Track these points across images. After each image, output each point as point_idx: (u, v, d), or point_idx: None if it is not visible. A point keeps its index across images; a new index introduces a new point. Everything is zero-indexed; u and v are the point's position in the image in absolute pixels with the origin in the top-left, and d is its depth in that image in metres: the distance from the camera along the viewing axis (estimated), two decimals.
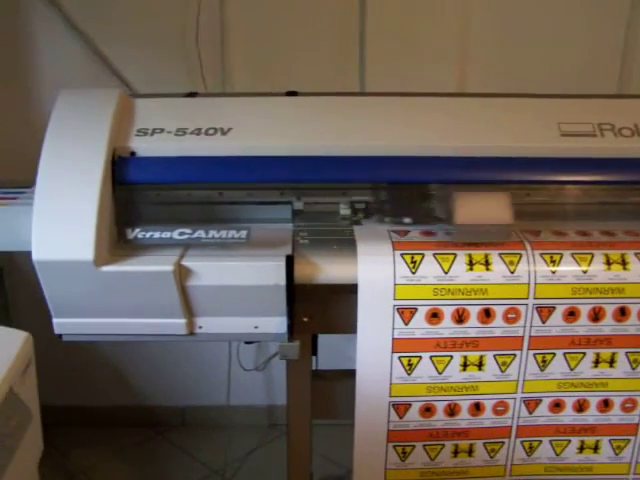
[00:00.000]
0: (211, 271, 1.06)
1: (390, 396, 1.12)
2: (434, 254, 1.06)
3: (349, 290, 1.06)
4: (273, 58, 1.72)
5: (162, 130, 1.15)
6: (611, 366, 1.14)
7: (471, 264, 1.06)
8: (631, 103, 1.22)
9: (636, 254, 1.09)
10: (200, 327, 1.13)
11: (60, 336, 1.12)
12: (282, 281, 1.04)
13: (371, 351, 1.09)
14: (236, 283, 1.06)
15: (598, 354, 1.12)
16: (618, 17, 1.67)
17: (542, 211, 1.20)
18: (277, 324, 1.10)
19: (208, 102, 1.26)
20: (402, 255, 1.06)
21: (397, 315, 1.07)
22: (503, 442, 1.17)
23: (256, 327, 1.12)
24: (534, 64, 1.69)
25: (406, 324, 1.07)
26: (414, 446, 1.16)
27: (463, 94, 1.28)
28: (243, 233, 1.12)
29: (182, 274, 1.05)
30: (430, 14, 1.70)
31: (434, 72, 1.70)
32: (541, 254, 1.08)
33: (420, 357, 1.10)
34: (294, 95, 1.25)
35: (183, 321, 1.11)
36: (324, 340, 1.28)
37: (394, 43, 1.70)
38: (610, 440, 1.19)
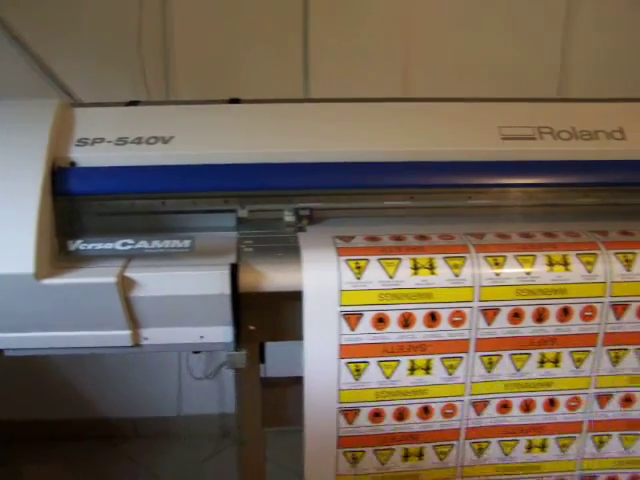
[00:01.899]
0: (155, 281, 1.05)
1: (339, 402, 1.12)
2: (379, 259, 1.06)
3: (295, 297, 1.06)
4: (217, 66, 1.71)
5: (102, 140, 1.14)
6: (556, 366, 1.15)
7: (416, 268, 1.07)
8: (569, 106, 1.24)
9: (577, 255, 1.10)
10: (145, 338, 1.11)
11: (1, 351, 1.10)
12: (227, 290, 1.03)
13: (318, 358, 1.09)
14: (180, 293, 1.05)
15: (543, 354, 1.13)
16: (556, 21, 1.69)
17: (485, 214, 1.20)
18: (223, 333, 1.10)
19: (150, 110, 1.25)
20: (346, 261, 1.06)
21: (343, 321, 1.07)
22: (452, 444, 1.18)
23: (202, 337, 1.11)
24: (477, 68, 1.71)
25: (352, 330, 1.07)
26: (364, 451, 1.16)
27: (407, 99, 1.28)
28: (187, 242, 1.11)
29: (125, 285, 1.04)
30: (373, 20, 1.71)
31: (379, 77, 1.71)
32: (485, 257, 1.08)
33: (368, 362, 1.10)
34: (237, 102, 1.24)
35: (128, 333, 1.09)
36: (276, 347, 1.27)
37: (338, 49, 1.71)
38: (556, 438, 1.20)
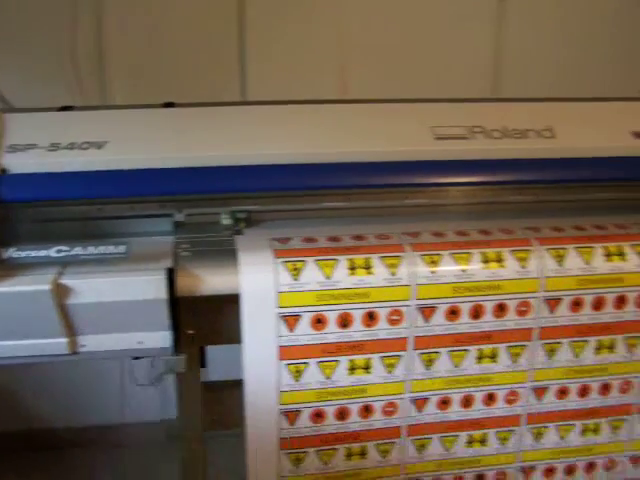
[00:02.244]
0: (90, 288, 1.04)
1: (279, 404, 1.12)
2: (315, 260, 1.07)
3: (234, 300, 1.06)
4: (153, 70, 1.70)
5: (34, 146, 1.12)
6: (493, 361, 1.17)
7: (353, 268, 1.07)
8: (501, 106, 1.26)
9: (511, 251, 1.12)
10: (83, 346, 1.10)
11: None
12: (163, 295, 1.03)
13: (258, 360, 1.09)
14: (116, 299, 1.04)
15: (480, 350, 1.15)
16: (488, 21, 1.71)
17: (422, 213, 1.21)
18: (162, 338, 1.09)
19: (83, 116, 1.23)
20: (283, 263, 1.06)
21: (282, 323, 1.07)
22: (394, 442, 1.19)
23: (140, 342, 1.10)
24: (412, 68, 1.72)
25: (291, 331, 1.08)
26: (307, 452, 1.16)
27: (342, 100, 1.28)
28: (122, 248, 1.10)
29: (60, 292, 1.02)
30: (309, 22, 1.71)
31: (316, 79, 1.71)
32: (421, 255, 1.09)
33: (307, 363, 1.10)
34: (171, 106, 1.24)
35: (64, 340, 1.08)
36: (219, 350, 1.26)
37: (275, 51, 1.71)
38: (496, 432, 1.22)
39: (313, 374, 1.11)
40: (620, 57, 1.88)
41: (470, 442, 1.22)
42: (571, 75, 1.85)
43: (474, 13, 1.76)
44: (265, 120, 1.21)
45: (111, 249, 1.09)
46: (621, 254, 1.16)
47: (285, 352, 1.09)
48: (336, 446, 1.17)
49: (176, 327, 1.07)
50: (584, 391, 1.23)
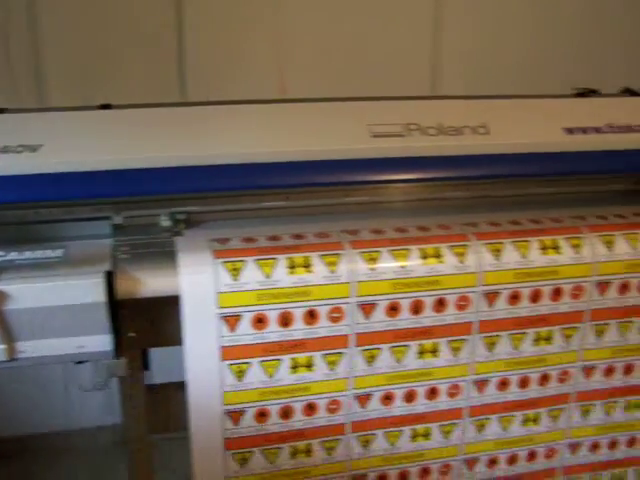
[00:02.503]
0: (27, 293, 1.03)
1: (223, 404, 1.12)
2: (255, 260, 1.07)
3: (175, 302, 1.05)
4: (91, 71, 1.68)
5: None
6: (434, 355, 1.18)
7: (292, 267, 1.08)
8: (436, 103, 1.27)
9: (449, 247, 1.13)
10: (22, 352, 1.08)
11: None
12: (102, 298, 1.02)
13: (200, 361, 1.09)
14: (55, 304, 1.03)
15: (421, 345, 1.16)
16: (425, 18, 1.73)
17: (361, 210, 1.22)
18: (102, 342, 1.08)
19: (17, 118, 1.21)
20: (223, 263, 1.06)
21: (222, 323, 1.07)
22: (339, 439, 1.20)
23: (81, 347, 1.09)
24: (351, 68, 1.73)
25: (232, 331, 1.08)
26: (252, 452, 1.16)
27: (281, 100, 1.29)
28: (59, 252, 1.09)
29: None
30: (248, 22, 1.71)
31: (256, 79, 1.71)
32: (360, 253, 1.10)
33: (249, 363, 1.10)
34: (108, 108, 1.23)
35: (2, 347, 1.06)
36: (164, 352, 1.25)
37: (214, 51, 1.70)
38: (439, 426, 1.23)
39: (256, 374, 1.11)
40: (556, 55, 1.92)
41: (414, 436, 1.24)
42: (509, 73, 1.87)
43: (412, 12, 1.77)
44: (203, 121, 1.21)
45: (48, 253, 1.08)
46: (556, 247, 1.18)
47: (227, 352, 1.09)
48: (281, 445, 1.18)
49: (117, 330, 1.06)
50: (524, 382, 1.25)
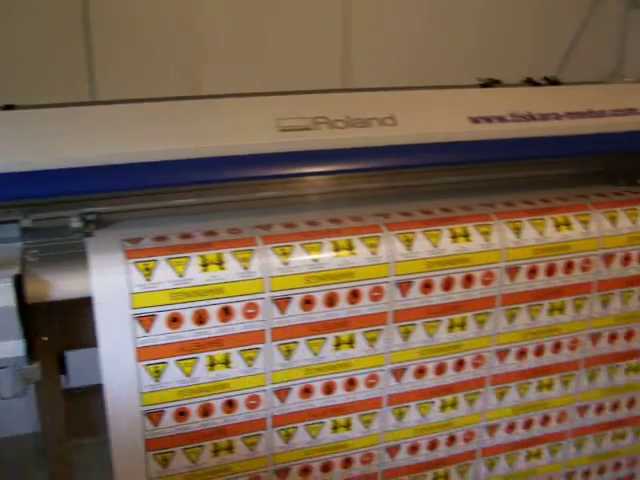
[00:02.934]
0: None
1: (141, 405, 1.11)
2: (167, 259, 1.06)
3: (88, 304, 1.04)
4: None
5: None
6: (351, 347, 1.19)
7: (205, 265, 1.07)
8: (344, 96, 1.29)
9: (361, 238, 1.15)
10: None
11: None
12: (11, 302, 1.00)
13: (116, 363, 1.08)
14: None
15: (338, 337, 1.17)
16: (334, 12, 1.74)
17: (273, 205, 1.22)
18: (13, 347, 1.06)
19: None
20: (135, 263, 1.05)
21: (137, 324, 1.06)
22: (260, 434, 1.20)
23: None
24: (263, 64, 1.73)
25: (147, 332, 1.07)
26: (174, 452, 1.16)
27: (192, 97, 1.28)
28: None
29: None
30: (159, 18, 1.69)
31: (167, 77, 1.70)
32: (272, 247, 1.11)
33: (166, 363, 1.10)
34: (11, 109, 1.20)
35: None
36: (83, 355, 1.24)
37: (124, 49, 1.68)
38: (359, 416, 1.25)
39: (173, 373, 1.11)
40: (461, 46, 1.95)
41: (335, 428, 1.25)
42: (418, 65, 1.90)
43: (321, 6, 1.78)
44: (112, 119, 1.19)
45: None
46: (466, 235, 1.21)
47: (143, 353, 1.08)
48: (203, 443, 1.18)
49: (29, 335, 1.04)
50: (440, 369, 1.28)
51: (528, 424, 1.41)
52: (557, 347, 1.36)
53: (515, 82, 1.44)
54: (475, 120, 1.28)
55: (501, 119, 1.29)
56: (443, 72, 1.78)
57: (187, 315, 1.08)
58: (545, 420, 1.42)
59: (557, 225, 1.27)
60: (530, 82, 1.43)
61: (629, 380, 1.46)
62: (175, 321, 1.08)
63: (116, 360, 1.08)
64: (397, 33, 1.90)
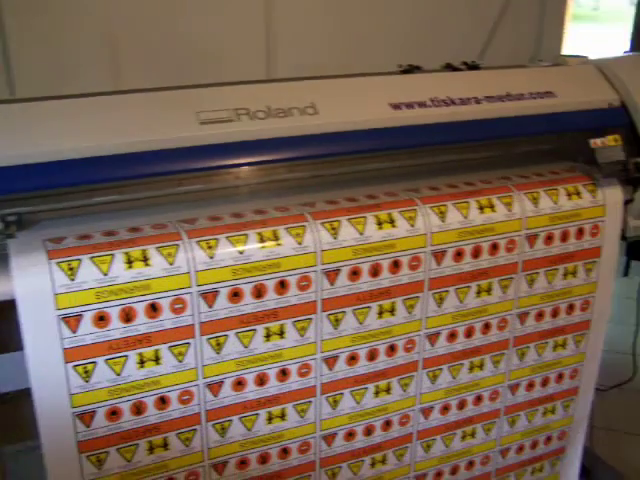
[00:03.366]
0: None
1: (72, 407, 1.09)
2: (91, 258, 1.05)
3: (12, 307, 1.02)
4: None
5: None
6: (282, 337, 1.19)
7: (130, 262, 1.06)
8: (264, 87, 1.28)
9: (286, 228, 1.15)
10: None
11: None
12: None
13: (43, 365, 1.06)
14: None
15: (268, 328, 1.17)
16: (256, 5, 1.74)
17: (199, 198, 1.22)
18: None
19: None
20: (58, 263, 1.03)
21: (63, 325, 1.04)
22: (195, 429, 1.19)
23: None
24: (184, 56, 1.72)
25: (74, 332, 1.05)
26: (108, 452, 1.15)
27: (110, 92, 1.26)
28: None
29: None
30: (76, 14, 1.67)
31: (87, 73, 1.67)
32: (197, 241, 1.10)
33: (95, 362, 1.09)
34: None
35: None
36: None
37: (42, 46, 1.65)
38: (294, 406, 1.25)
39: (102, 372, 1.09)
40: (386, 34, 1.96)
41: (270, 419, 1.25)
42: (343, 54, 1.90)
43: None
44: (31, 117, 1.17)
45: None
46: (392, 221, 1.22)
47: (70, 354, 1.07)
48: (137, 441, 1.17)
49: None
50: (372, 355, 1.29)
51: (462, 405, 1.43)
52: (486, 328, 1.38)
53: (435, 68, 1.45)
54: (396, 106, 1.29)
55: (422, 105, 1.31)
56: (369, 60, 1.78)
57: (114, 313, 1.07)
58: (478, 400, 1.44)
59: (481, 208, 1.29)
60: (450, 67, 1.45)
61: (557, 356, 1.49)
62: (102, 320, 1.07)
63: (43, 362, 1.07)
64: (319, 23, 1.90)
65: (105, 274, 1.05)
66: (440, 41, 1.97)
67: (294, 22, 1.85)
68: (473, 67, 1.45)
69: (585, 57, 1.55)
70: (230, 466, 1.24)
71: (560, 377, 1.51)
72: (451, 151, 1.36)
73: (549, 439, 1.58)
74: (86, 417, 1.11)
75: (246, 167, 1.19)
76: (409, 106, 1.29)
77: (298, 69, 1.74)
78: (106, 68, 1.69)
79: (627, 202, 1.42)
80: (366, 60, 1.70)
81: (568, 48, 2.40)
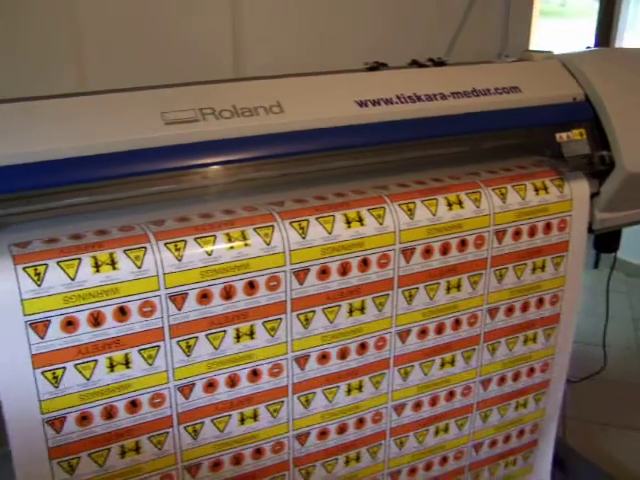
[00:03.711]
0: None
1: (41, 413, 1.09)
2: (57, 262, 1.04)
3: None
4: None
5: None
6: (252, 338, 1.19)
7: (97, 266, 1.05)
8: (229, 86, 1.27)
9: (255, 229, 1.14)
10: None
11: None
12: None
13: (11, 372, 1.05)
14: None
15: (238, 329, 1.17)
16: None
17: (167, 199, 1.21)
18: None
19: None
20: (24, 268, 1.02)
21: (30, 330, 1.04)
22: (167, 432, 1.19)
23: None
24: (152, 57, 1.70)
25: (42, 338, 1.05)
26: (80, 457, 1.14)
27: (76, 94, 1.24)
28: None
29: None
30: (40, 13, 1.65)
31: (52, 74, 1.65)
32: (165, 243, 1.09)
33: (64, 368, 1.08)
34: None
35: None
36: None
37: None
38: (266, 406, 1.25)
39: (72, 377, 1.09)
40: (354, 31, 1.96)
41: (242, 420, 1.25)
42: (310, 53, 1.90)
43: None
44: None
45: None
46: (360, 220, 1.22)
47: (38, 360, 1.06)
48: (109, 446, 1.16)
49: None
50: (343, 353, 1.29)
51: (434, 401, 1.43)
52: (457, 324, 1.38)
53: (401, 65, 1.45)
54: (362, 103, 1.29)
55: (388, 101, 1.31)
56: (337, 58, 1.77)
57: (82, 318, 1.07)
58: (450, 396, 1.45)
59: (449, 204, 1.29)
60: (416, 64, 1.45)
61: (528, 350, 1.50)
62: (70, 325, 1.06)
63: (11, 369, 1.06)
64: (288, 20, 1.89)
65: (72, 279, 1.04)
66: (407, 38, 1.97)
67: (261, 21, 1.84)
68: (439, 63, 1.45)
69: (550, 52, 1.56)
70: (204, 468, 1.24)
71: (531, 371, 1.52)
72: (418, 147, 1.36)
73: (522, 432, 1.59)
74: (56, 423, 1.10)
75: (213, 167, 1.18)
76: (375, 103, 1.29)
77: (266, 68, 1.73)
78: (71, 69, 1.67)
79: (593, 195, 1.43)
80: (334, 58, 1.69)
81: (536, 44, 2.41)
